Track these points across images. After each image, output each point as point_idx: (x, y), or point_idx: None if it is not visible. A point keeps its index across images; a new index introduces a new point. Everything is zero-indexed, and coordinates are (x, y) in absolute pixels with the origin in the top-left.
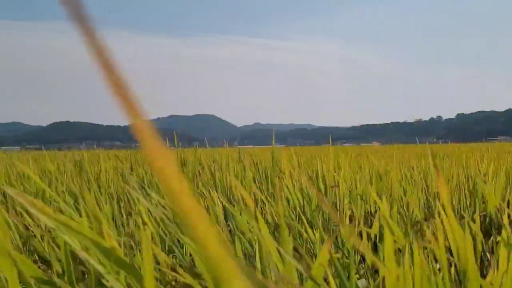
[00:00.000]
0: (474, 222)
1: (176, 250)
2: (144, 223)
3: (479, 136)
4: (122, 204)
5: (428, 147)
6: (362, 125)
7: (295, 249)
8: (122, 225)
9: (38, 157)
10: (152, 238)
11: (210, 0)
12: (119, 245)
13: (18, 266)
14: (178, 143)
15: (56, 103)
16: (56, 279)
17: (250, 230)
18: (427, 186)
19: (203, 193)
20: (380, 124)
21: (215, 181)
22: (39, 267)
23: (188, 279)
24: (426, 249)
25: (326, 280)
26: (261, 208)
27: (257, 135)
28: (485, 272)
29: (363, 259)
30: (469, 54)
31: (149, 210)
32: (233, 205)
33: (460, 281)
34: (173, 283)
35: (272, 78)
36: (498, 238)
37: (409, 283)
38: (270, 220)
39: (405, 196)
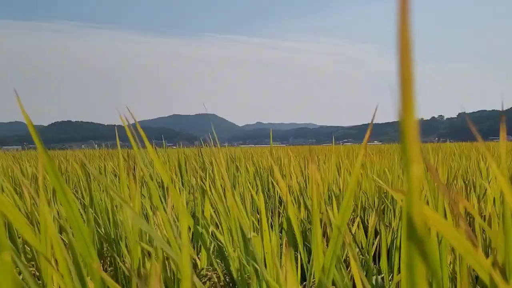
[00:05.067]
0: None
1: None
2: None
3: (481, 136)
4: None
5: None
6: (363, 125)
7: None
8: None
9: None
10: None
11: (210, 0)
12: None
13: None
14: (180, 142)
15: (57, 102)
16: None
17: None
18: None
19: None
20: (381, 124)
21: None
22: None
23: None
24: None
25: None
26: None
27: (259, 134)
28: None
29: None
30: (471, 53)
31: None
32: None
33: None
34: None
35: (273, 78)
36: None
37: None
38: None
39: None
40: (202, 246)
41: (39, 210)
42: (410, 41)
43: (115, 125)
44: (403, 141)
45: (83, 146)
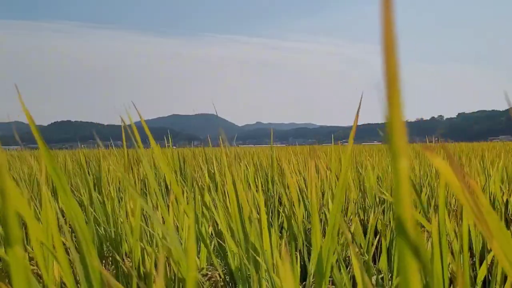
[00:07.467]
0: None
1: None
2: None
3: (480, 136)
4: None
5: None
6: (363, 125)
7: None
8: None
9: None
10: None
11: (210, 0)
12: None
13: None
14: (179, 142)
15: (57, 102)
16: None
17: None
18: None
19: None
20: (380, 124)
21: None
22: None
23: None
24: None
25: None
26: None
27: (259, 134)
28: None
29: None
30: (471, 53)
31: None
32: None
33: None
34: None
35: (273, 78)
36: None
37: None
38: None
39: None
40: (201, 245)
41: (42, 208)
42: (395, 40)
43: (115, 125)
44: (390, 136)
45: (82, 146)
